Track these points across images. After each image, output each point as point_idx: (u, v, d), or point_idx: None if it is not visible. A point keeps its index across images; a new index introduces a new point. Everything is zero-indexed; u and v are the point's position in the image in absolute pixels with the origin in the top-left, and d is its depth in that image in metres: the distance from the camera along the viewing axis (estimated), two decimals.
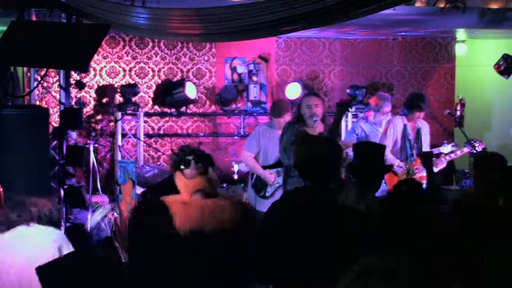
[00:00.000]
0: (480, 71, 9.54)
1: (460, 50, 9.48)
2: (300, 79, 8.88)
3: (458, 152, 7.26)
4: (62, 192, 6.45)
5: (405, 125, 6.97)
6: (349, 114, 8.77)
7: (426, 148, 7.12)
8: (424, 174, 7.05)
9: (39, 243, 3.77)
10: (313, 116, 5.89)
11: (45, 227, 3.86)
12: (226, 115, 8.98)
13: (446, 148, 7.38)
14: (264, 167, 6.71)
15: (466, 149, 7.28)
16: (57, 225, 4.05)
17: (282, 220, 3.48)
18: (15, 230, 3.81)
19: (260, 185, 6.68)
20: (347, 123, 8.85)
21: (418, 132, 7.05)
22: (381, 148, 4.69)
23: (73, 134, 7.50)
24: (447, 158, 7.18)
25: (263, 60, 8.98)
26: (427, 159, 5.79)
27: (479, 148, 7.27)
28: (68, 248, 3.79)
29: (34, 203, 3.93)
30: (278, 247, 3.43)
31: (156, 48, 8.82)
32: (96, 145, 8.13)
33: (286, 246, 3.39)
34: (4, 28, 5.26)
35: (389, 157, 6.87)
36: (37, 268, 3.16)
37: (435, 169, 7.05)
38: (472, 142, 7.26)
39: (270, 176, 6.61)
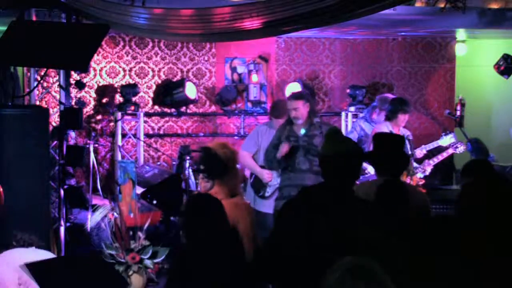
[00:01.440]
0: (480, 71, 9.54)
1: (460, 50, 9.47)
2: (300, 79, 8.88)
3: (444, 154, 7.27)
4: (62, 192, 6.45)
5: (390, 132, 6.98)
6: (349, 114, 8.78)
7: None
8: (422, 175, 7.08)
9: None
10: (295, 119, 6.13)
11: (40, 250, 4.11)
12: (226, 115, 8.98)
13: (444, 141, 7.40)
14: (264, 168, 6.71)
15: (451, 150, 7.30)
16: None
17: (301, 218, 3.46)
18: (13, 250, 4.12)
19: (259, 185, 6.68)
20: (347, 123, 8.85)
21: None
22: (400, 138, 4.80)
23: (72, 134, 7.49)
24: (435, 160, 7.18)
25: (263, 60, 8.98)
26: None
27: (461, 148, 7.30)
28: None
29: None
30: (294, 245, 3.41)
31: (156, 48, 8.82)
32: (96, 145, 8.13)
33: (304, 245, 3.38)
34: (4, 28, 5.25)
35: None
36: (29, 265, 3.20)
37: (423, 174, 7.06)
38: (453, 143, 7.32)
39: (267, 175, 6.60)
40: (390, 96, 8.00)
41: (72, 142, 7.34)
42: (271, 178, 6.62)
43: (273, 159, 6.10)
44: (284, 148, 6.02)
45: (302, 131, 6.07)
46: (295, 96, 6.29)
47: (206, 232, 3.48)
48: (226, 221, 3.59)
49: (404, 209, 3.91)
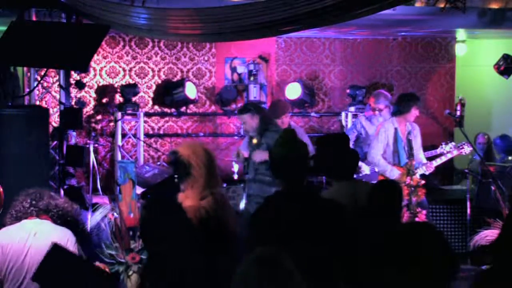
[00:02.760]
0: (480, 71, 9.54)
1: (460, 50, 9.47)
2: (300, 79, 8.88)
3: (449, 155, 7.26)
4: (62, 192, 6.45)
5: (396, 129, 6.96)
6: (349, 114, 8.78)
7: (418, 149, 7.11)
8: (426, 172, 7.06)
9: (52, 235, 3.99)
10: (245, 132, 6.40)
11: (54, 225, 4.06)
12: (226, 115, 8.98)
13: (443, 148, 7.38)
14: None
15: (456, 152, 7.28)
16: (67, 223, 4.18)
17: (268, 223, 3.50)
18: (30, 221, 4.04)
19: None
20: (347, 122, 8.85)
21: (408, 134, 7.04)
22: (343, 137, 4.78)
23: (73, 134, 7.49)
24: (438, 161, 7.17)
25: (263, 60, 8.98)
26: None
27: (467, 150, 7.29)
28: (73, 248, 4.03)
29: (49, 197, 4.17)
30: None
31: (156, 48, 8.82)
32: (96, 145, 8.12)
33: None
34: (4, 28, 5.26)
35: (381, 162, 6.84)
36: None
37: (427, 172, 7.04)
38: (460, 144, 7.30)
39: None
40: (377, 93, 7.92)
41: (72, 142, 7.33)
42: None
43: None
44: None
45: (254, 141, 6.30)
46: (241, 111, 6.45)
47: (163, 239, 3.40)
48: (186, 225, 3.48)
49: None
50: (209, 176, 4.06)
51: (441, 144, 7.42)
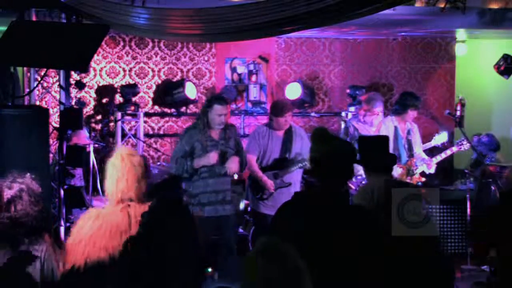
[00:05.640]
0: (480, 71, 9.54)
1: (460, 50, 9.47)
2: (300, 79, 8.88)
3: (448, 152, 7.26)
4: (62, 192, 6.44)
5: (395, 127, 6.97)
6: (349, 114, 8.78)
7: (418, 148, 7.13)
8: (427, 171, 7.07)
9: None
10: (220, 125, 6.00)
11: None
12: None
13: (437, 140, 7.39)
14: (262, 169, 6.68)
15: (455, 148, 7.29)
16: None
17: (292, 220, 3.48)
18: None
19: (257, 187, 6.66)
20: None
21: (408, 133, 7.06)
22: (384, 138, 4.84)
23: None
24: (438, 158, 7.17)
25: (263, 60, 8.98)
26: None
27: (466, 146, 7.29)
28: None
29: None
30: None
31: (156, 48, 8.82)
32: (96, 145, 8.12)
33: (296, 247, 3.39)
34: (4, 28, 5.26)
35: None
36: None
37: (428, 171, 7.04)
38: (459, 141, 7.31)
39: (270, 184, 6.57)
40: (373, 96, 7.90)
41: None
42: (273, 188, 6.60)
43: (189, 169, 5.98)
44: (214, 158, 5.96)
45: (221, 135, 6.05)
46: (227, 101, 6.12)
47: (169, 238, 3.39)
48: (191, 226, 3.53)
49: None
50: (127, 183, 4.07)
51: (433, 136, 7.45)
